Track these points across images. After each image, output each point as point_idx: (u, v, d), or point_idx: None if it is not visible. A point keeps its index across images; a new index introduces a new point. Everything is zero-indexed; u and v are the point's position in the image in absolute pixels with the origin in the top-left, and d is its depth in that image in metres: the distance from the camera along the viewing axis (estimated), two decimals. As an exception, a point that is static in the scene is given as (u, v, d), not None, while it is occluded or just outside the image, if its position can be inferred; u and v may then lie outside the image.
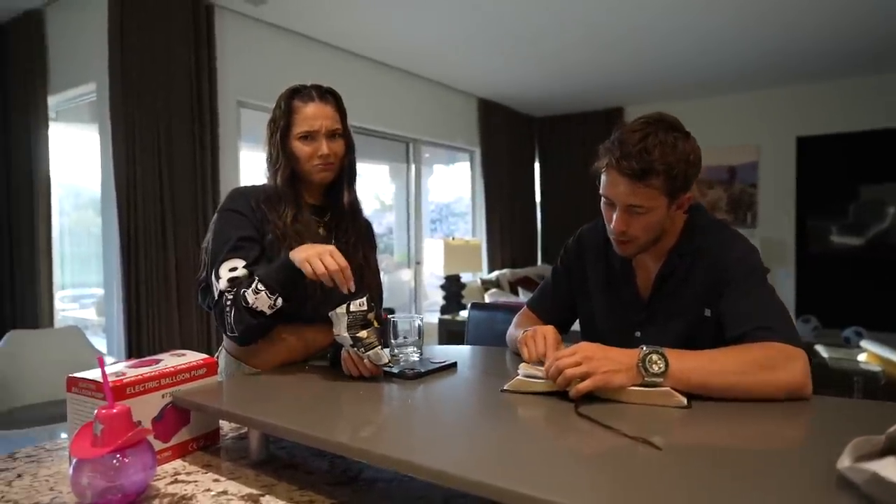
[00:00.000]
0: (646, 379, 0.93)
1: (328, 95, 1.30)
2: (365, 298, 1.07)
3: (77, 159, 3.59)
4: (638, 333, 1.20)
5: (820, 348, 3.77)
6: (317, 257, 1.08)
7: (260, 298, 1.13)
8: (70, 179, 3.66)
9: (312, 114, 1.25)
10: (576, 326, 1.39)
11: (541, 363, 1.04)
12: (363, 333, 1.05)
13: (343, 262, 1.08)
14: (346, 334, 1.05)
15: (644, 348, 0.95)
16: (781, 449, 0.79)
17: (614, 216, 1.12)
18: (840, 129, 5.16)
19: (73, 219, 3.86)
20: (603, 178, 1.12)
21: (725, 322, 1.07)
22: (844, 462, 0.60)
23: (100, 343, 3.15)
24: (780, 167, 5.47)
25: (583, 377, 0.92)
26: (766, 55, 4.42)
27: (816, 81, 5.18)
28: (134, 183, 2.89)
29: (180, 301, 3.05)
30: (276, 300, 1.14)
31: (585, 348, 0.96)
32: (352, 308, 1.06)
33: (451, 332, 3.83)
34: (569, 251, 1.38)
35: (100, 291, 3.44)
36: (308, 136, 1.25)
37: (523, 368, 1.05)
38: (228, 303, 1.15)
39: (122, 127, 2.85)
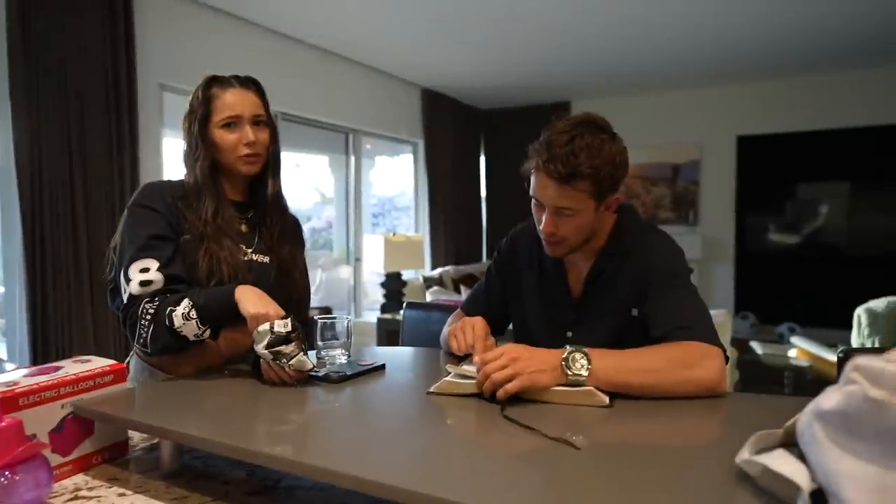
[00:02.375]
0: (570, 378, 0.97)
1: (249, 83, 1.29)
2: (289, 320, 1.06)
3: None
4: (570, 334, 1.24)
5: (755, 345, 4.01)
6: (266, 320, 1.05)
7: (188, 326, 1.10)
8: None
9: (234, 100, 1.24)
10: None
11: (470, 362, 1.06)
12: (284, 348, 1.05)
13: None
14: (266, 351, 1.05)
15: (568, 348, 0.99)
16: (695, 446, 0.84)
17: (544, 217, 1.15)
18: (778, 129, 5.49)
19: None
20: (532, 179, 1.15)
21: (649, 322, 1.12)
22: (743, 455, 0.66)
23: None
24: (721, 166, 5.76)
25: (509, 379, 0.95)
26: (707, 54, 4.65)
27: (756, 81, 5.47)
28: (39, 170, 2.73)
29: (94, 301, 2.91)
30: (204, 332, 1.12)
31: (511, 350, 0.99)
32: (275, 329, 1.05)
33: (390, 333, 3.82)
34: (502, 253, 1.41)
35: None
36: (231, 124, 1.24)
37: (452, 369, 1.07)
38: (147, 316, 1.12)
39: (24, 112, 2.68)
